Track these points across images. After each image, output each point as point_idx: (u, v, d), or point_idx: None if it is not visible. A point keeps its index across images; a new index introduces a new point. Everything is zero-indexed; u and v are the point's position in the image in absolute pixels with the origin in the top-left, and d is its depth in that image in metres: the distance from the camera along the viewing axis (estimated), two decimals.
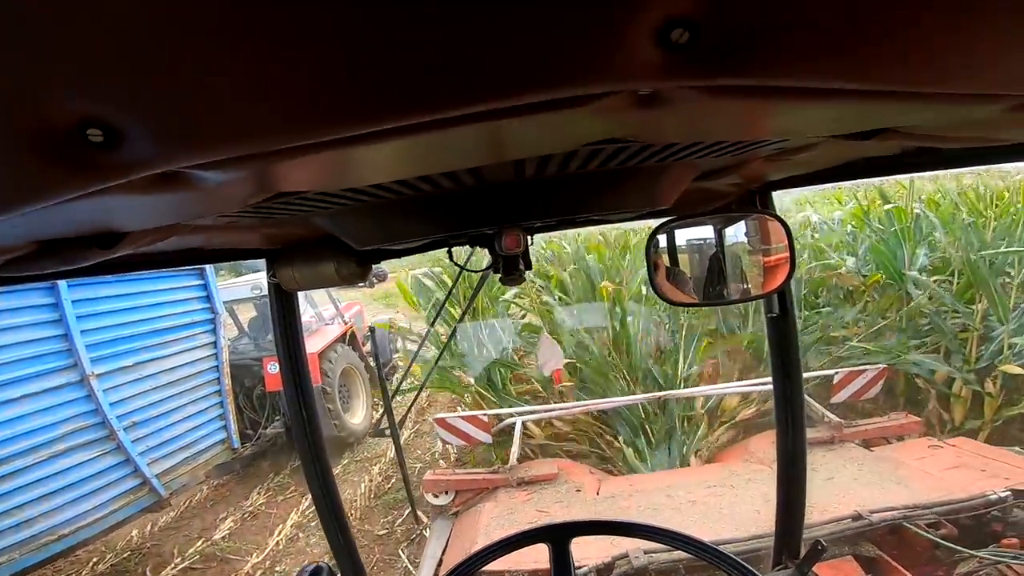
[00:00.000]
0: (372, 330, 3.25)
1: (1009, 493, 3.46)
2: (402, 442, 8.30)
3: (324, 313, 9.38)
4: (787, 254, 1.31)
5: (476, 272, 2.04)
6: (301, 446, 1.83)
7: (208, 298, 6.71)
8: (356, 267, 1.40)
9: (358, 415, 9.00)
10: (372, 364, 9.66)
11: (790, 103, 0.46)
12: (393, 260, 1.65)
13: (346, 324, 9.47)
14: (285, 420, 8.00)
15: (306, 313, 8.77)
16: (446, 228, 0.98)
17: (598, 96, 0.41)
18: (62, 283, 4.94)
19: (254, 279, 8.22)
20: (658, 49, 0.35)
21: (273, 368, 7.59)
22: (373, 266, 1.47)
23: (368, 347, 9.81)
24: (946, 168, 1.30)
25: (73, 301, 5.11)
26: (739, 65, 0.36)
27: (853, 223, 8.44)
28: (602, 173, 0.85)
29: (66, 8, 0.30)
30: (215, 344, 6.80)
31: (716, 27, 0.34)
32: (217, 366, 6.78)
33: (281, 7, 0.31)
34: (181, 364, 6.28)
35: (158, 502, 5.88)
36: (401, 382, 3.16)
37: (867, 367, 5.58)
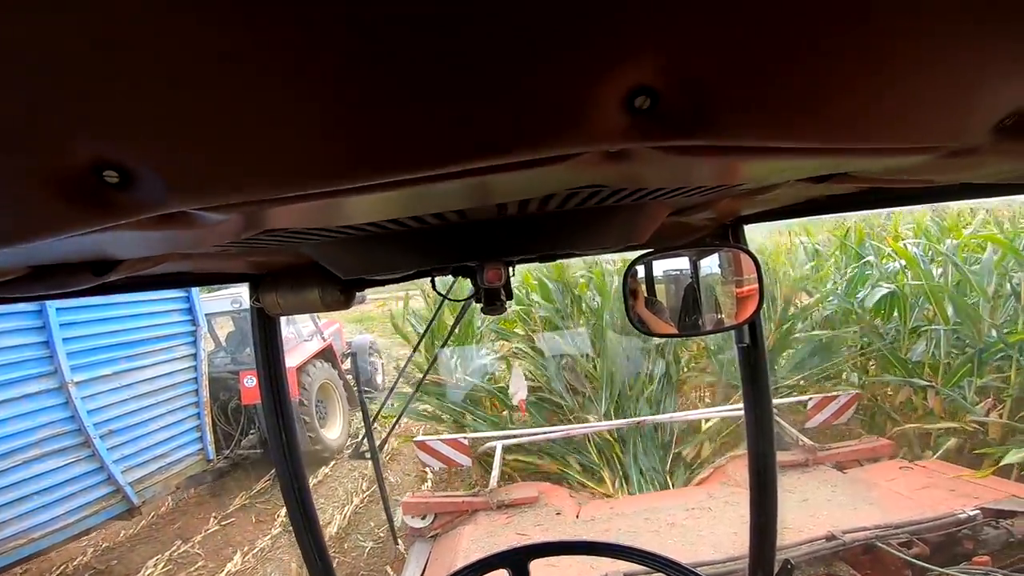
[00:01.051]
0: (353, 353, 3.27)
1: (979, 512, 3.60)
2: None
3: (303, 330, 9.40)
4: (757, 286, 1.36)
5: (458, 301, 2.05)
6: (280, 469, 1.83)
7: (190, 310, 6.76)
8: (340, 294, 1.41)
9: (334, 430, 9.16)
10: (352, 382, 9.69)
11: (742, 157, 0.51)
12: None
13: (325, 341, 9.57)
14: (260, 434, 8.12)
15: (285, 329, 8.72)
16: (430, 261, 1.01)
17: (572, 155, 0.45)
18: None
19: (234, 293, 8.27)
20: (624, 113, 0.39)
21: (250, 381, 7.69)
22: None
23: (347, 365, 9.86)
24: (901, 205, 1.41)
25: (57, 309, 5.17)
26: (694, 128, 0.40)
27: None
28: (580, 211, 0.88)
29: (99, 63, 0.33)
30: (195, 356, 6.84)
31: (674, 95, 0.38)
32: (196, 378, 6.82)
33: (285, 80, 0.35)
34: (160, 375, 6.31)
35: (129, 510, 5.87)
36: (381, 407, 3.16)
37: (840, 393, 5.73)
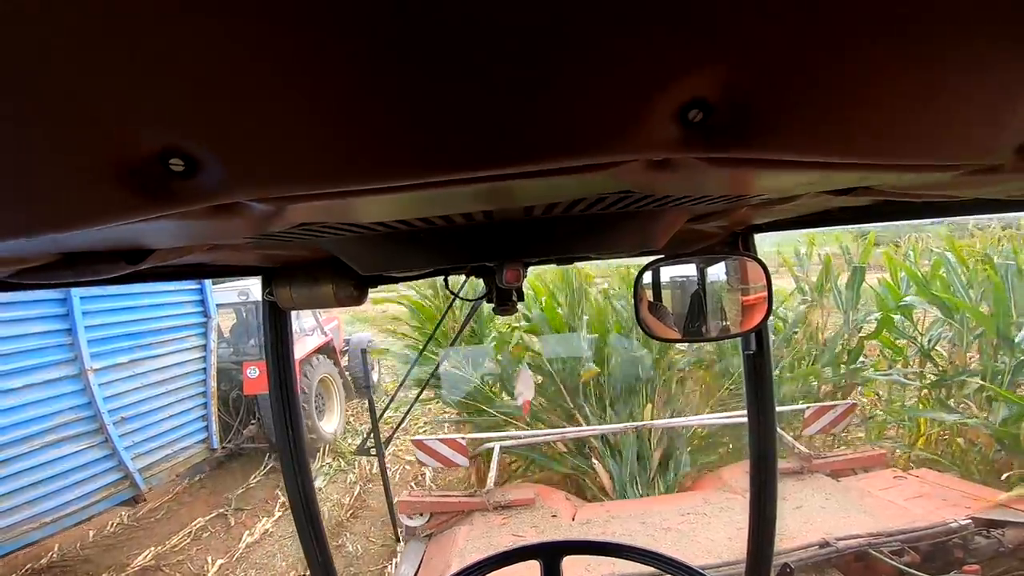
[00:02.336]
0: (364, 350, 3.31)
1: (970, 521, 3.70)
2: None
3: (304, 325, 9.59)
4: (764, 294, 1.38)
5: (470, 301, 2.04)
6: (285, 460, 1.84)
7: (203, 302, 6.94)
8: (353, 290, 1.42)
9: (332, 422, 9.53)
10: (349, 377, 10.45)
11: (779, 170, 0.53)
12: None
13: (326, 336, 9.85)
14: (260, 425, 8.43)
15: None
16: (451, 260, 1.03)
17: (619, 162, 0.47)
18: None
19: (241, 285, 8.48)
20: (677, 125, 0.40)
21: (252, 372, 7.90)
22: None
23: (345, 361, 10.56)
24: (915, 218, 1.43)
25: (81, 298, 5.33)
26: (743, 142, 0.42)
27: None
28: (602, 215, 0.90)
29: (178, 51, 0.34)
30: (205, 347, 7.02)
31: (725, 109, 0.40)
32: (205, 368, 7.00)
33: (343, 76, 0.36)
34: (172, 364, 6.49)
35: (135, 496, 6.02)
36: (387, 406, 3.19)
37: (836, 403, 5.82)
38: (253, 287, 8.45)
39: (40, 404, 5.09)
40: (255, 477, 8.30)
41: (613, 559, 1.86)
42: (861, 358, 7.37)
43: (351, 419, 10.43)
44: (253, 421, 8.58)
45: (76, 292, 5.28)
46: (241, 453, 8.76)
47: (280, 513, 7.22)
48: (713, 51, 0.37)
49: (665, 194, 0.73)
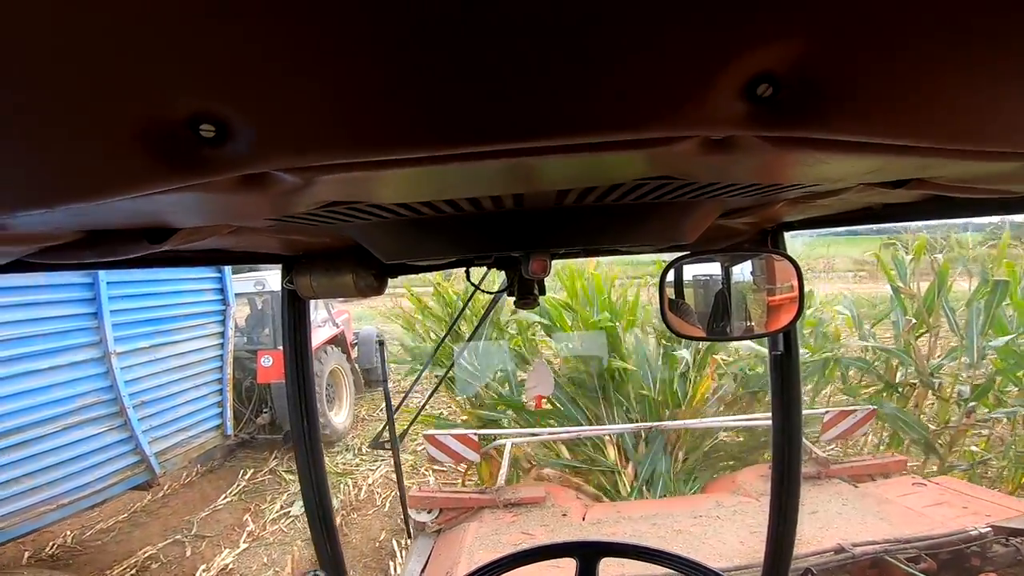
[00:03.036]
0: (381, 342, 3.33)
1: (989, 529, 3.67)
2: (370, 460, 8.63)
3: (316, 317, 9.75)
4: (795, 294, 1.36)
5: (491, 293, 2.07)
6: (299, 448, 1.85)
7: (222, 291, 7.14)
8: (374, 280, 1.44)
9: (341, 414, 9.80)
10: (359, 368, 10.77)
11: (842, 154, 0.51)
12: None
13: (337, 328, 10.04)
14: (272, 414, 8.64)
15: None
16: (477, 248, 1.01)
17: (674, 139, 0.46)
18: None
19: (257, 275, 8.71)
20: (743, 101, 0.39)
21: (267, 361, 8.16)
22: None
23: (354, 353, 10.81)
24: (957, 216, 1.41)
25: (107, 283, 5.50)
26: (811, 119, 0.41)
27: None
28: (636, 206, 0.88)
29: (204, 13, 0.33)
30: (223, 334, 7.23)
31: (796, 85, 0.38)
32: (222, 355, 7.22)
33: (383, 43, 0.35)
34: (190, 350, 6.71)
35: (148, 481, 6.20)
36: (403, 400, 3.20)
37: (857, 407, 5.77)
38: (269, 277, 8.66)
39: (65, 386, 5.27)
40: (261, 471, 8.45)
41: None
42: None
43: (364, 414, 10.64)
44: (265, 410, 8.79)
45: (104, 277, 5.44)
46: (253, 442, 8.93)
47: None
48: (789, 22, 0.35)
49: (711, 180, 0.71)
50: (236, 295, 8.36)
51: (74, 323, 5.40)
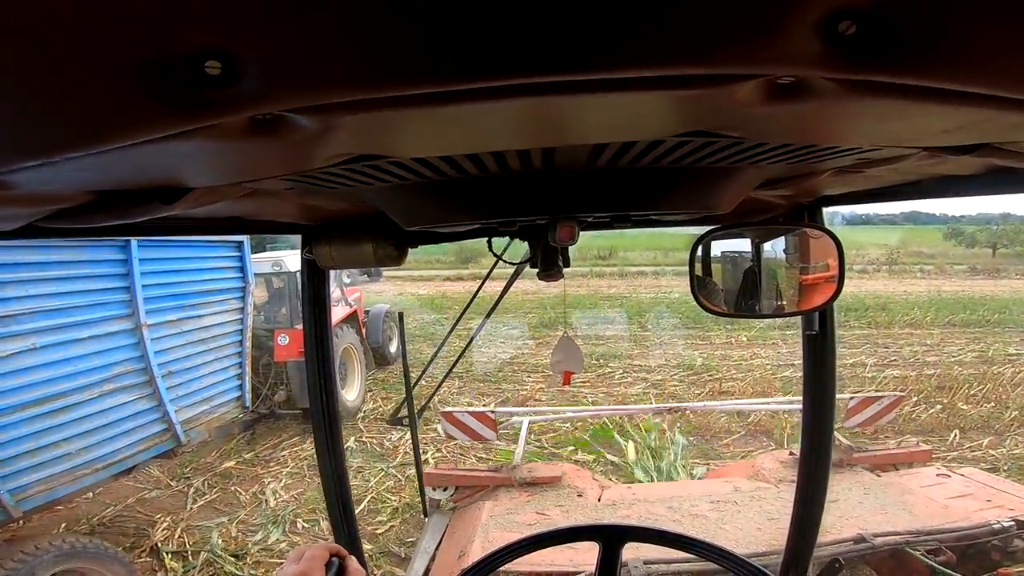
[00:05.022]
0: (400, 316, 3.39)
1: (1013, 523, 3.68)
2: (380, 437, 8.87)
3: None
4: (833, 272, 1.31)
5: (513, 264, 1.98)
6: (316, 420, 1.85)
7: (242, 268, 7.46)
8: (394, 249, 1.45)
9: (353, 392, 10.00)
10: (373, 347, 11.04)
11: (923, 105, 0.46)
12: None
13: (350, 307, 10.31)
14: (288, 391, 8.94)
15: None
16: (502, 213, 0.98)
17: (740, 78, 0.41)
18: (133, 241, 5.78)
19: (274, 256, 9.09)
20: (820, 38, 0.35)
21: (283, 340, 8.51)
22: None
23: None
24: (1017, 191, 1.26)
25: (140, 260, 5.89)
26: (898, 61, 0.37)
27: None
28: (672, 170, 0.84)
29: None
30: (243, 310, 7.54)
31: (883, 22, 0.34)
32: (242, 330, 7.51)
33: None
34: (213, 324, 7.02)
35: (173, 449, 6.53)
36: (420, 377, 3.24)
37: (883, 394, 5.76)
38: (286, 259, 8.93)
39: (101, 355, 5.58)
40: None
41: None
42: None
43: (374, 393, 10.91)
44: (282, 387, 9.06)
45: (136, 254, 5.78)
46: (267, 419, 9.32)
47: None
48: None
49: (762, 138, 0.67)
50: (255, 275, 8.60)
51: (110, 296, 5.72)
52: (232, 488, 7.56)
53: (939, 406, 9.75)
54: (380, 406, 10.27)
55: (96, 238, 5.03)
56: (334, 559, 1.21)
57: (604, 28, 0.36)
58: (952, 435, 8.70)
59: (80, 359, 5.39)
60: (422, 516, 5.19)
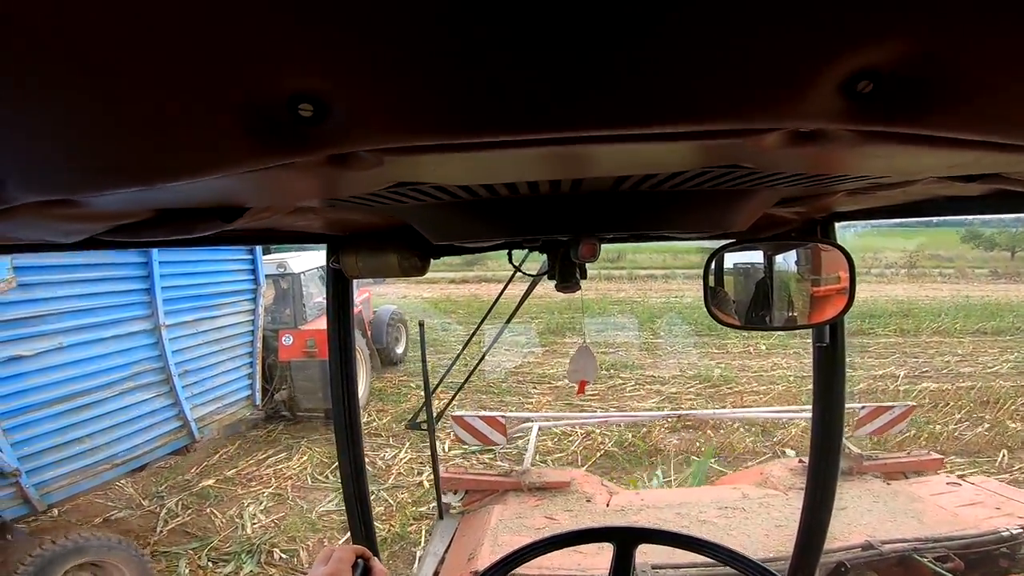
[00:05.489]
0: (421, 324, 3.43)
1: (1022, 530, 3.70)
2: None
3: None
4: (843, 285, 1.36)
5: (531, 276, 2.03)
6: (338, 423, 1.89)
7: (254, 271, 7.69)
8: (418, 260, 1.49)
9: (358, 392, 9.63)
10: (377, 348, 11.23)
11: (932, 148, 0.48)
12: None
13: (356, 307, 10.08)
14: (291, 391, 9.17)
15: (319, 296, 9.46)
16: (529, 231, 1.02)
17: (761, 131, 0.45)
18: None
19: (278, 258, 9.18)
20: (840, 96, 0.38)
21: (287, 340, 8.79)
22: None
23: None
24: (1021, 211, 1.35)
25: (159, 262, 6.15)
26: (909, 115, 0.40)
27: None
28: (692, 193, 0.88)
29: None
30: (254, 311, 7.77)
31: (898, 81, 0.37)
32: (253, 331, 7.73)
33: (467, 37, 0.36)
34: (226, 325, 7.25)
35: (187, 445, 6.74)
36: (440, 381, 3.28)
37: (895, 404, 5.76)
38: (290, 261, 9.11)
39: (122, 354, 5.82)
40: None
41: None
42: None
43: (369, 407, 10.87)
44: (284, 387, 9.25)
45: (156, 256, 5.97)
46: (274, 418, 9.56)
47: None
48: (901, 21, 0.35)
49: (782, 170, 0.70)
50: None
51: (130, 298, 5.97)
52: (208, 511, 7.37)
53: (985, 424, 9.25)
54: (374, 419, 10.05)
55: None
56: (359, 560, 1.27)
57: (642, 90, 0.39)
58: (1000, 456, 8.27)
59: (103, 358, 5.62)
60: (435, 519, 5.18)
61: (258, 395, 7.98)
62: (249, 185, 0.65)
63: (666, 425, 8.31)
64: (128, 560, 5.17)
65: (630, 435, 8.36)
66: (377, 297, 14.33)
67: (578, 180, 0.79)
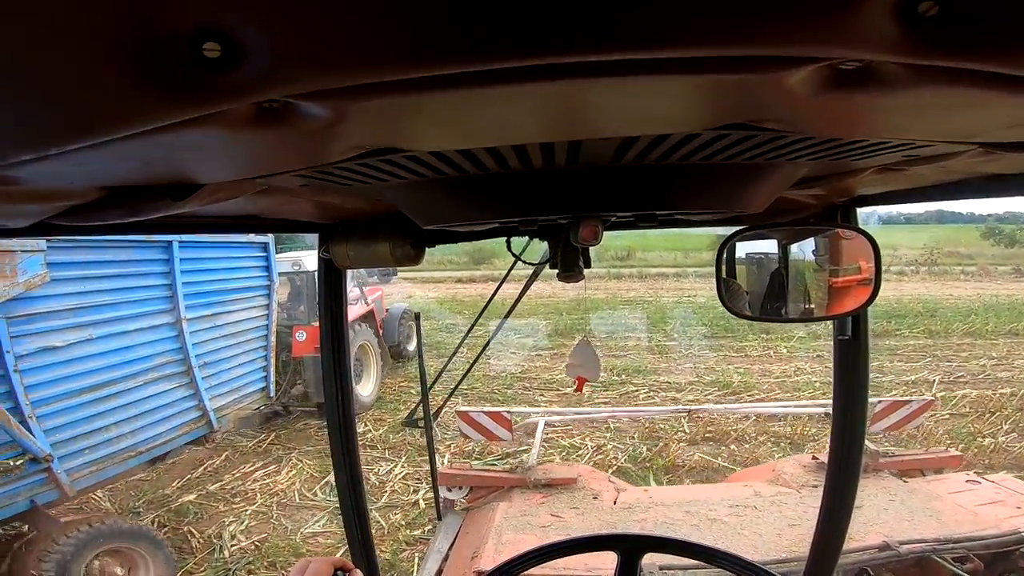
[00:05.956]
0: (417, 316, 3.40)
1: None
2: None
3: (348, 295, 10.05)
4: (868, 275, 1.28)
5: (532, 264, 1.95)
6: (331, 421, 1.85)
7: (268, 268, 8.14)
8: (411, 249, 1.45)
9: (368, 387, 10.60)
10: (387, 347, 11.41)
11: (999, 94, 0.42)
12: None
13: (368, 306, 10.87)
14: (304, 385, 9.52)
15: None
16: (523, 211, 0.95)
17: (798, 61, 0.38)
18: (175, 242, 6.35)
19: (294, 257, 9.65)
20: (896, 20, 0.32)
21: (301, 336, 9.06)
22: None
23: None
24: None
25: (180, 259, 6.49)
26: (982, 45, 0.33)
27: None
28: (703, 166, 0.80)
29: None
30: (268, 307, 8.21)
31: (968, 2, 0.31)
32: (267, 325, 8.19)
33: None
34: (242, 319, 7.72)
35: (206, 435, 7.14)
36: (437, 377, 3.24)
37: (912, 398, 5.68)
38: (305, 259, 9.43)
39: (146, 346, 6.18)
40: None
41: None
42: None
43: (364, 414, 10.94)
44: (299, 382, 9.60)
45: (177, 254, 6.41)
46: (284, 412, 9.86)
47: None
48: None
49: (810, 131, 0.62)
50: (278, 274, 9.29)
51: (154, 292, 6.36)
52: (186, 529, 7.06)
53: None
54: (370, 429, 9.71)
55: (137, 238, 5.71)
56: (339, 572, 1.21)
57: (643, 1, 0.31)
58: None
59: (128, 350, 5.98)
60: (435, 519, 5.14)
61: (272, 387, 8.37)
62: (187, 154, 0.58)
63: (685, 437, 8.00)
64: (153, 549, 5.44)
65: (644, 448, 7.99)
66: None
67: (575, 150, 0.71)
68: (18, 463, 4.86)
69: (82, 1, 0.32)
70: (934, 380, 11.08)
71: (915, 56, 0.34)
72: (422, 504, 7.29)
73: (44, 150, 0.45)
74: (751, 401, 9.71)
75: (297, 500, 7.63)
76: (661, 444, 7.97)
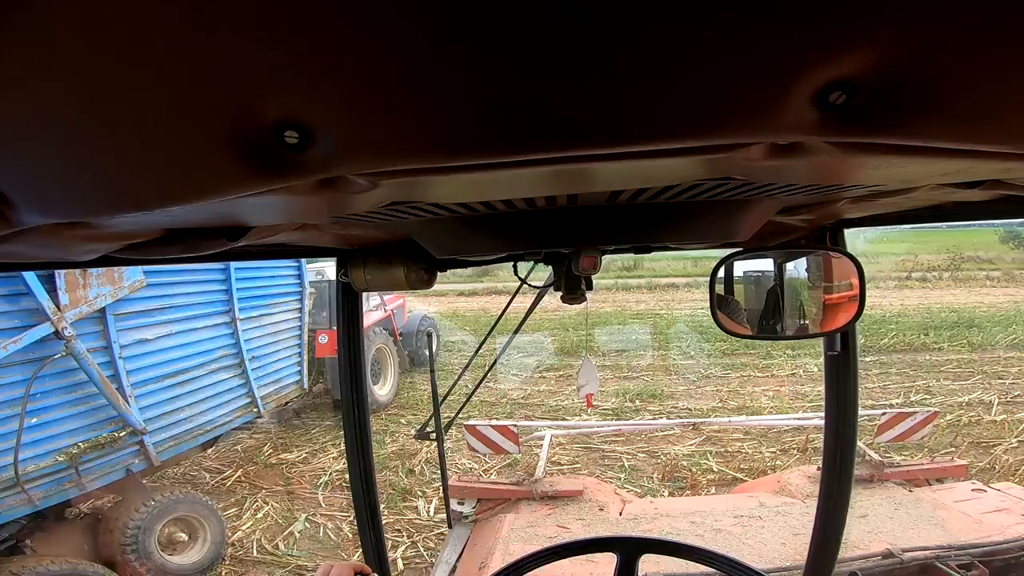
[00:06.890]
0: (429, 334, 3.47)
1: None
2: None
3: (368, 302, 11.24)
4: (854, 293, 1.35)
5: (537, 287, 2.04)
6: (349, 437, 1.90)
7: (300, 276, 9.13)
8: (424, 273, 1.51)
9: (385, 388, 11.60)
10: (407, 354, 12.21)
11: (915, 158, 0.48)
12: None
13: (386, 312, 11.88)
14: (326, 384, 10.89)
15: None
16: (528, 244, 1.05)
17: (738, 146, 0.46)
18: None
19: (316, 267, 10.45)
20: (814, 108, 0.38)
21: (323, 339, 10.08)
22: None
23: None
24: None
25: (235, 268, 7.53)
26: (885, 126, 0.40)
27: None
28: (691, 204, 0.88)
29: (291, 24, 0.35)
30: (300, 310, 9.18)
31: (872, 91, 0.37)
32: (300, 326, 9.16)
33: (455, 60, 0.37)
34: (281, 320, 8.72)
35: (253, 420, 8.29)
36: (450, 390, 3.29)
37: (917, 409, 5.69)
38: (327, 268, 10.21)
39: (208, 341, 7.26)
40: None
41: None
42: None
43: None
44: (321, 380, 10.85)
45: (233, 264, 7.38)
46: (309, 406, 11.04)
47: None
48: (871, 32, 0.34)
49: (771, 181, 0.71)
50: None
51: (216, 296, 7.41)
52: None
53: None
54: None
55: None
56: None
57: (629, 112, 0.40)
58: None
59: (197, 343, 7.05)
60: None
61: (306, 381, 9.33)
62: (249, 207, 0.67)
63: (713, 477, 7.13)
64: (211, 517, 6.60)
65: (666, 492, 7.04)
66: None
67: (574, 194, 0.80)
68: (121, 435, 5.93)
69: (197, 97, 0.40)
70: (991, 401, 9.86)
71: (832, 135, 0.42)
72: (420, 547, 6.81)
73: (147, 210, 0.53)
74: (789, 434, 8.05)
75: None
76: (686, 484, 7.17)
